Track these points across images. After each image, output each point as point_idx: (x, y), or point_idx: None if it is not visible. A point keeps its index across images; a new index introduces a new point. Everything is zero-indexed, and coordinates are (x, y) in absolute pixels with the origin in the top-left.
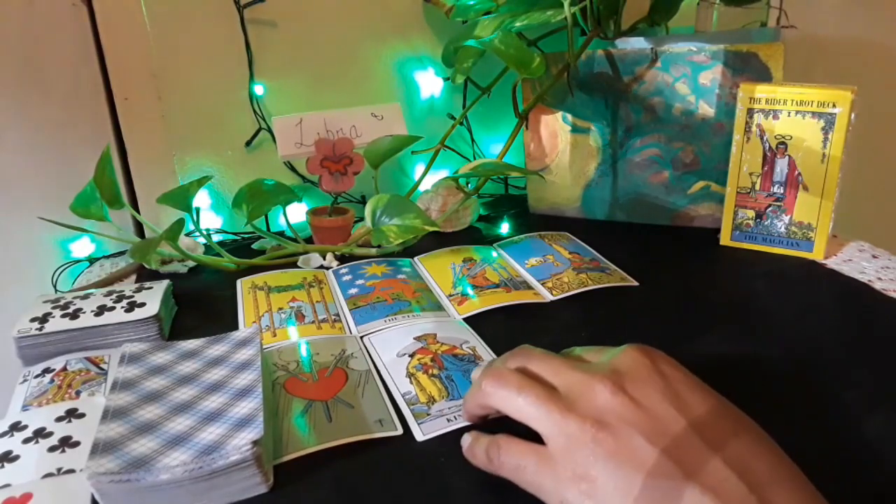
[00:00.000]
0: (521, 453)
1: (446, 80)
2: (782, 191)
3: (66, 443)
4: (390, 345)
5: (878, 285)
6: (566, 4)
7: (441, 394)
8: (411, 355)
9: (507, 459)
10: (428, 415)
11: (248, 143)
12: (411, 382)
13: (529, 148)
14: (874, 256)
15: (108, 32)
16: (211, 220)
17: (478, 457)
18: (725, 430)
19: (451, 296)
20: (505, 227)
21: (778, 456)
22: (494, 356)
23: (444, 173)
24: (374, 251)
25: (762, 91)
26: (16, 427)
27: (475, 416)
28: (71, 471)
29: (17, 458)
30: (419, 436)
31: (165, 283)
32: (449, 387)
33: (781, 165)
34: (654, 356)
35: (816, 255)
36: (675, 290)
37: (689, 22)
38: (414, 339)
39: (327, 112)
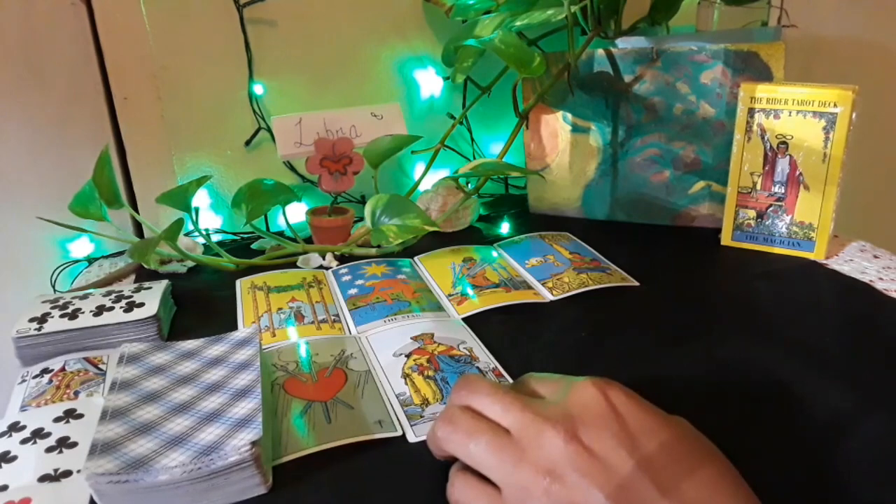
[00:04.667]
0: (474, 495)
1: (446, 79)
2: (783, 190)
3: (64, 443)
4: (388, 344)
5: (879, 285)
6: (566, 4)
7: (435, 396)
8: (408, 356)
9: (460, 497)
10: (421, 416)
11: (247, 143)
12: (406, 383)
13: (529, 148)
14: (875, 256)
15: (107, 32)
16: (210, 220)
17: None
18: (681, 470)
19: (450, 296)
20: (505, 227)
21: (737, 490)
22: (491, 357)
23: (444, 173)
24: (373, 251)
25: (763, 90)
26: (14, 427)
27: (441, 457)
28: (69, 472)
29: (14, 458)
30: (411, 437)
31: (164, 283)
32: (443, 389)
33: (782, 165)
34: (610, 392)
35: (817, 255)
36: (675, 290)
37: (690, 21)
38: (411, 339)
39: (327, 112)
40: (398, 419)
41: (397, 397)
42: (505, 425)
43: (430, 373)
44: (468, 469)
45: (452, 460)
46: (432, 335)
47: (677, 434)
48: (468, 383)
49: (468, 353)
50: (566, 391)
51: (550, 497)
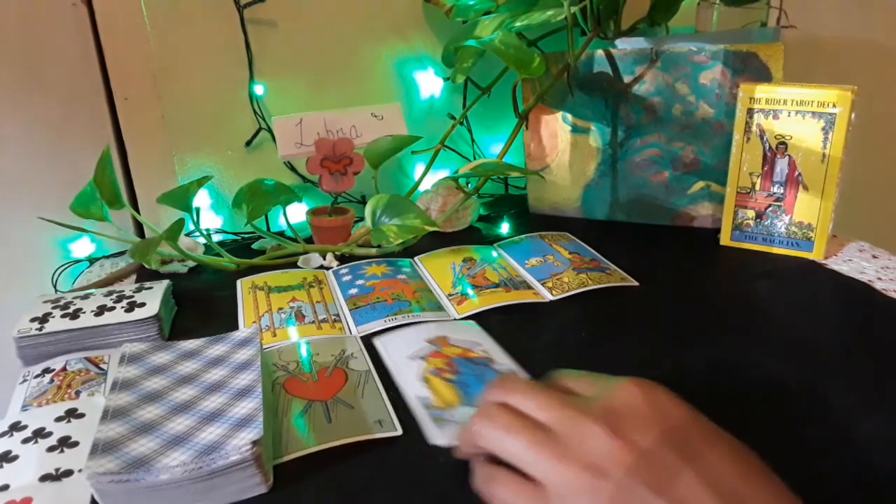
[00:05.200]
0: (517, 491)
1: (446, 80)
2: (782, 191)
3: (66, 443)
4: (401, 347)
5: (878, 285)
6: (566, 4)
7: (457, 399)
8: (424, 358)
9: (502, 492)
10: (445, 420)
11: (248, 143)
12: (426, 386)
13: (529, 148)
14: (874, 256)
15: (108, 32)
16: (211, 220)
17: (474, 482)
18: (735, 475)
19: (450, 295)
20: (505, 227)
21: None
22: (510, 360)
23: (444, 173)
24: (374, 251)
25: (762, 91)
26: (15, 427)
27: (469, 454)
28: (70, 471)
29: (16, 458)
30: (439, 440)
31: (165, 283)
32: (464, 392)
33: (781, 165)
34: (654, 393)
35: (816, 255)
36: (675, 290)
37: (690, 22)
38: (426, 341)
39: (327, 112)
40: (404, 420)
41: (419, 400)
42: (543, 421)
43: (450, 376)
44: (501, 464)
45: (474, 459)
46: (447, 338)
47: (728, 442)
48: (504, 381)
49: (486, 355)
50: (606, 389)
51: (596, 493)
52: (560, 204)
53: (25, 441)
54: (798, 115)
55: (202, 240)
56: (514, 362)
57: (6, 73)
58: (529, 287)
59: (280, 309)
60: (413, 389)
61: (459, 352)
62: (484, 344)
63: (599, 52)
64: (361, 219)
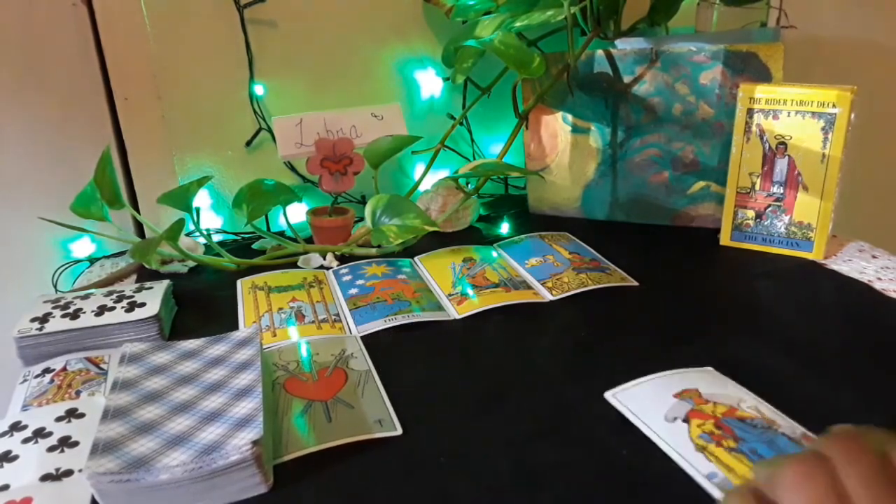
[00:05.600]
0: None
1: (446, 80)
2: (782, 191)
3: (66, 443)
4: (646, 404)
5: (877, 285)
6: (566, 4)
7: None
8: (685, 420)
9: None
10: None
11: (248, 143)
12: (708, 459)
13: (529, 148)
14: (874, 256)
15: (108, 32)
16: (211, 220)
17: None
18: None
19: (450, 295)
20: (505, 227)
21: None
22: (790, 420)
23: (444, 173)
24: (374, 251)
25: (762, 91)
26: (15, 427)
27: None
28: (70, 471)
29: (16, 458)
30: None
31: (165, 283)
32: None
33: (781, 165)
34: None
35: (816, 255)
36: (675, 290)
37: (689, 22)
38: (674, 396)
39: (327, 112)
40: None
41: (708, 479)
42: None
43: (732, 443)
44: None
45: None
46: (698, 391)
47: None
48: (847, 441)
49: (758, 414)
50: None
51: None
52: (560, 204)
53: (26, 441)
54: (798, 115)
55: (202, 240)
56: (797, 423)
57: (6, 73)
58: (529, 287)
59: (280, 309)
60: (692, 462)
61: (724, 410)
62: (747, 400)
63: (599, 52)
64: (361, 219)
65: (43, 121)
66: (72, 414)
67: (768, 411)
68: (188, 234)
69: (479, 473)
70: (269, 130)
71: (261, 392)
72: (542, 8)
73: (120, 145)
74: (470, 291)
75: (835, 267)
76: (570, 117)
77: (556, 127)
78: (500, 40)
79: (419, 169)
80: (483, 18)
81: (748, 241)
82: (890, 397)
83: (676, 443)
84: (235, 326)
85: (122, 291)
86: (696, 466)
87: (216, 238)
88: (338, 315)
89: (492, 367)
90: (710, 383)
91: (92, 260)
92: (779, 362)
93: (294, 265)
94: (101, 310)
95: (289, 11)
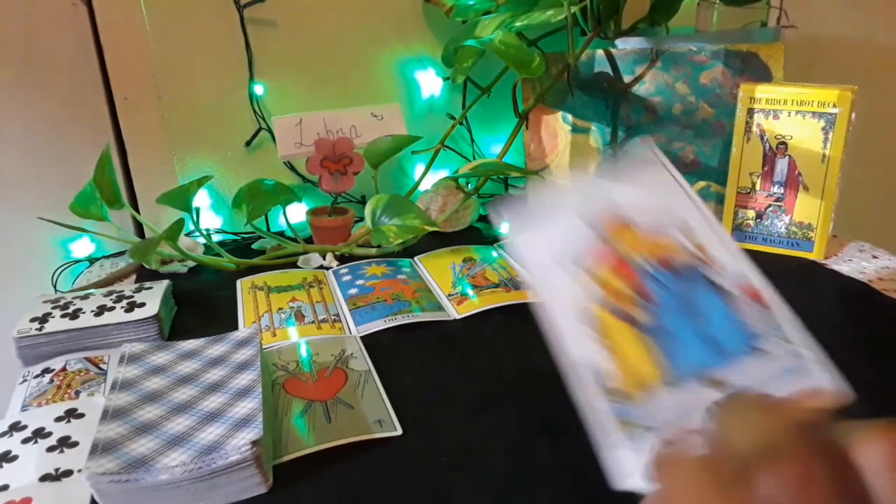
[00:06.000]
0: None
1: (446, 79)
2: (782, 191)
3: (65, 443)
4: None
5: (878, 285)
6: (566, 4)
7: (654, 374)
8: (587, 269)
9: None
10: (635, 426)
11: (248, 143)
12: (600, 338)
13: (529, 148)
14: (874, 256)
15: (108, 32)
16: (211, 220)
17: None
18: None
19: (450, 295)
20: (505, 227)
21: None
22: (746, 262)
23: (444, 173)
24: (374, 251)
25: (762, 91)
26: (15, 427)
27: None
28: (69, 471)
29: (15, 458)
30: (627, 477)
31: (165, 283)
32: (668, 357)
33: (781, 165)
34: None
35: (816, 255)
36: None
37: (690, 22)
38: (586, 224)
39: (327, 112)
40: (597, 432)
41: (591, 374)
42: None
43: (638, 314)
44: None
45: None
46: (622, 214)
47: None
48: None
49: (698, 253)
50: None
51: None
52: None
53: (25, 441)
54: (798, 115)
55: (202, 240)
56: (755, 271)
57: (6, 73)
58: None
59: (280, 309)
60: (577, 347)
61: (650, 247)
62: (692, 222)
63: (599, 52)
64: (361, 219)
65: (43, 121)
66: (71, 414)
67: (719, 251)
68: (188, 234)
69: (479, 473)
70: (269, 130)
71: (260, 392)
72: (542, 8)
73: (120, 145)
74: (470, 291)
75: (835, 267)
76: (570, 117)
77: (556, 127)
78: (500, 40)
79: (419, 169)
80: (483, 18)
81: (748, 241)
82: (890, 397)
83: (563, 311)
84: (235, 326)
85: (122, 291)
86: (581, 352)
87: (216, 238)
88: (338, 315)
89: (492, 367)
90: (648, 192)
91: (91, 260)
92: None
93: (294, 265)
94: (101, 310)
95: (289, 11)
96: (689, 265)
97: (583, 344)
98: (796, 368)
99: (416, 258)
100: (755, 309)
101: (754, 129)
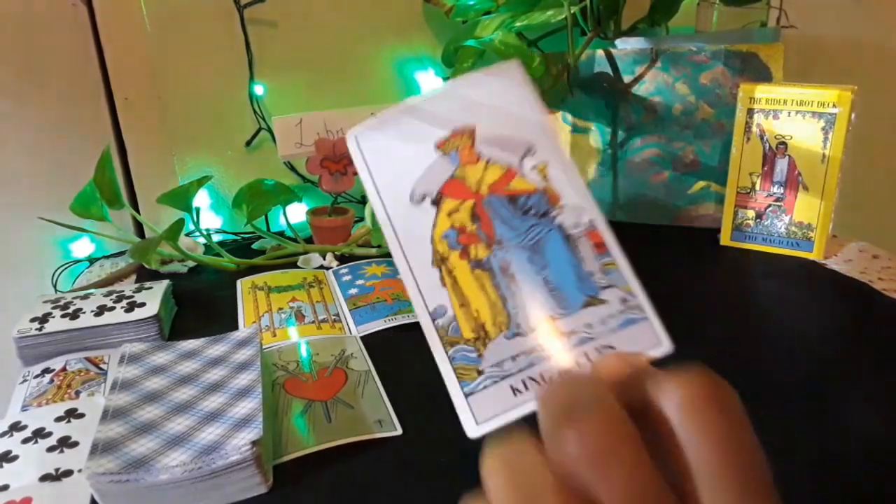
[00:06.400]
0: None
1: (446, 80)
2: (782, 191)
3: (65, 443)
4: (388, 152)
5: (878, 285)
6: (566, 4)
7: (496, 316)
8: (435, 201)
9: None
10: (475, 372)
11: (248, 143)
12: (442, 276)
13: None
14: (874, 256)
15: (108, 32)
16: (211, 220)
17: None
18: None
19: None
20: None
21: None
22: (587, 193)
23: None
24: (374, 251)
25: (762, 91)
26: (15, 427)
27: None
28: (69, 471)
29: (15, 458)
30: (473, 426)
31: (165, 283)
32: (505, 295)
33: (781, 165)
34: None
35: (816, 255)
36: (675, 289)
37: (689, 22)
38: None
39: (327, 112)
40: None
41: (433, 318)
42: None
43: (480, 252)
44: None
45: None
46: (472, 130)
47: None
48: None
49: (544, 183)
50: None
51: None
52: None
53: (25, 441)
54: (798, 115)
55: (202, 240)
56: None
57: (6, 73)
58: None
59: (280, 309)
60: (427, 293)
61: (501, 181)
62: (538, 144)
63: (599, 52)
64: (361, 219)
65: (43, 121)
66: (71, 414)
67: (562, 183)
68: (188, 234)
69: (479, 473)
70: (269, 130)
71: (260, 392)
72: (542, 8)
73: (120, 145)
74: None
75: (835, 267)
76: (570, 117)
77: (556, 127)
78: (500, 40)
79: None
80: (483, 18)
81: (748, 241)
82: (891, 397)
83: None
84: (235, 326)
85: (122, 291)
86: (427, 294)
87: (216, 238)
88: (338, 315)
89: None
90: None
91: (91, 260)
92: (779, 362)
93: (294, 265)
94: (101, 310)
95: (289, 11)
96: (537, 205)
97: (432, 290)
98: (634, 320)
99: None
100: (597, 256)
101: (754, 129)
